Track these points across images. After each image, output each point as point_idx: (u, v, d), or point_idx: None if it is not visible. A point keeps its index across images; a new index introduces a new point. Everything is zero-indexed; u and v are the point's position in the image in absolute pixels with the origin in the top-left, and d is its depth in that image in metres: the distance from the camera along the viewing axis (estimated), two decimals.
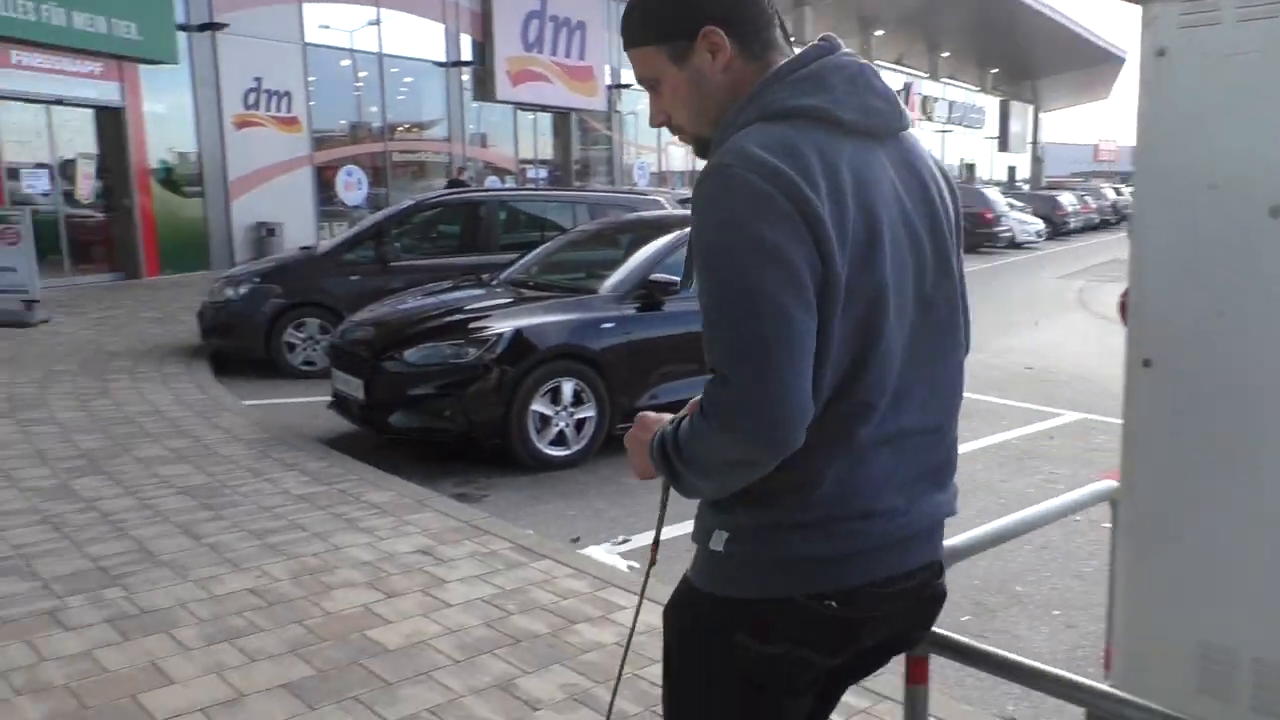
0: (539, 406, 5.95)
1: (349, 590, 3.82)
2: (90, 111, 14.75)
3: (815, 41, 1.48)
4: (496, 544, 4.38)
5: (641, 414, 1.59)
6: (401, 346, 6.01)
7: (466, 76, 20.94)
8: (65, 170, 14.44)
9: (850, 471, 1.41)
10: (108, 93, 14.65)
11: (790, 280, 1.30)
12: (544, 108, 23.06)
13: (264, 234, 16.72)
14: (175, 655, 3.23)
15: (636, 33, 1.50)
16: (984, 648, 1.82)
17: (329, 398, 6.52)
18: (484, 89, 21.28)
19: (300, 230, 17.08)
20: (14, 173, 13.70)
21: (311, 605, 3.66)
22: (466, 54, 20.73)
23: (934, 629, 1.72)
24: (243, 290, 8.79)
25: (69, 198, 14.45)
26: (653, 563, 1.69)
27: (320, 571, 3.98)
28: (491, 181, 21.46)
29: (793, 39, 1.52)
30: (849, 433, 1.40)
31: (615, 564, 4.42)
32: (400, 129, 20.26)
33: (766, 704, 1.48)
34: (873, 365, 1.39)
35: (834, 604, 1.42)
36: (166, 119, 15.55)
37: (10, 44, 13.13)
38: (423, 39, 19.91)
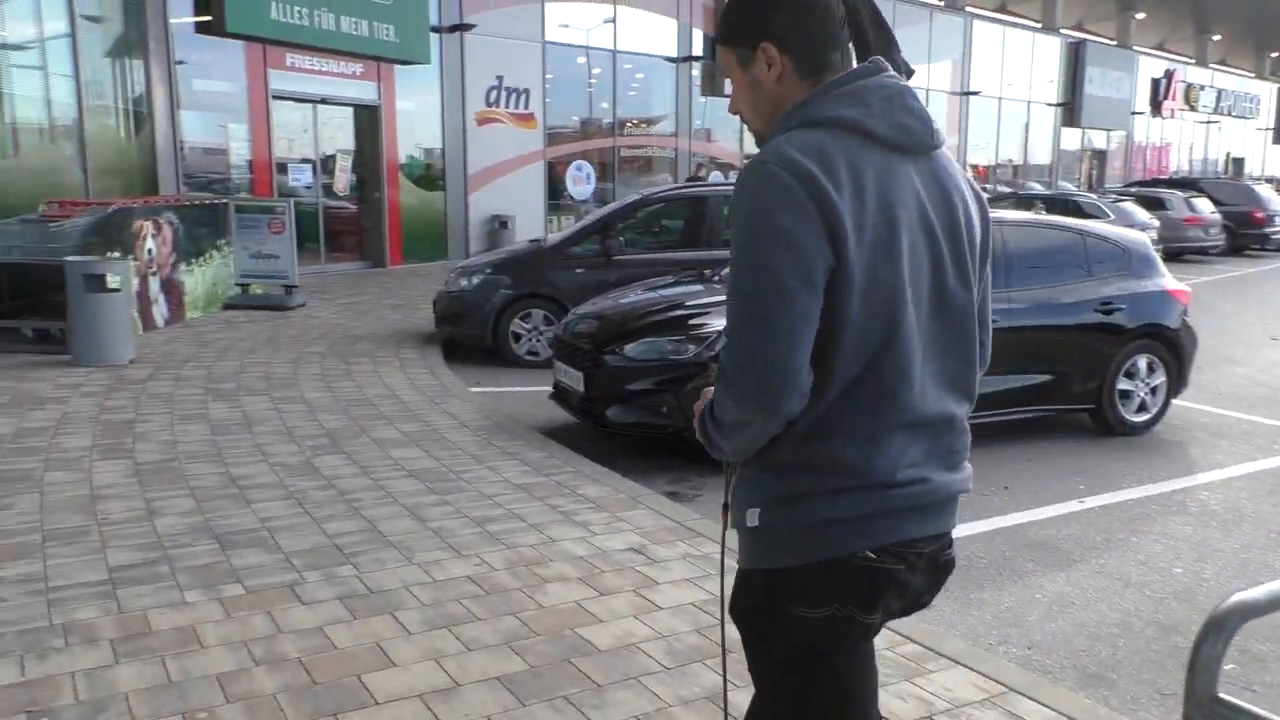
0: None
1: (562, 585, 3.83)
2: (350, 110, 15.88)
3: (865, 63, 1.64)
4: (709, 547, 4.29)
5: (706, 388, 1.70)
6: (622, 341, 6.04)
7: (696, 71, 21.03)
8: (326, 165, 15.62)
9: (870, 449, 1.56)
10: (366, 92, 15.72)
11: (798, 265, 1.47)
12: None
13: (497, 226, 17.46)
14: (398, 638, 3.33)
15: (720, 32, 1.71)
16: None
17: (550, 388, 6.65)
18: (712, 83, 21.28)
19: (531, 223, 17.72)
20: (282, 167, 14.94)
21: (526, 598, 3.70)
22: (698, 49, 20.81)
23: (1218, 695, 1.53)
24: (474, 280, 9.15)
25: (327, 190, 15.62)
26: (725, 527, 1.76)
27: (535, 564, 4.02)
28: (715, 176, 21.48)
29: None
30: (872, 415, 1.56)
31: None
32: (629, 124, 20.60)
33: (828, 669, 1.65)
34: (895, 352, 1.55)
35: (871, 554, 1.58)
36: (416, 116, 16.51)
37: (286, 48, 14.32)
38: (656, 35, 20.16)
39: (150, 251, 9.39)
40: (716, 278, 7.09)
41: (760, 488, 1.63)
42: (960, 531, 5.08)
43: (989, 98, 29.29)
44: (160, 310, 9.65)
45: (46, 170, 10.76)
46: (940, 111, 27.15)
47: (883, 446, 1.57)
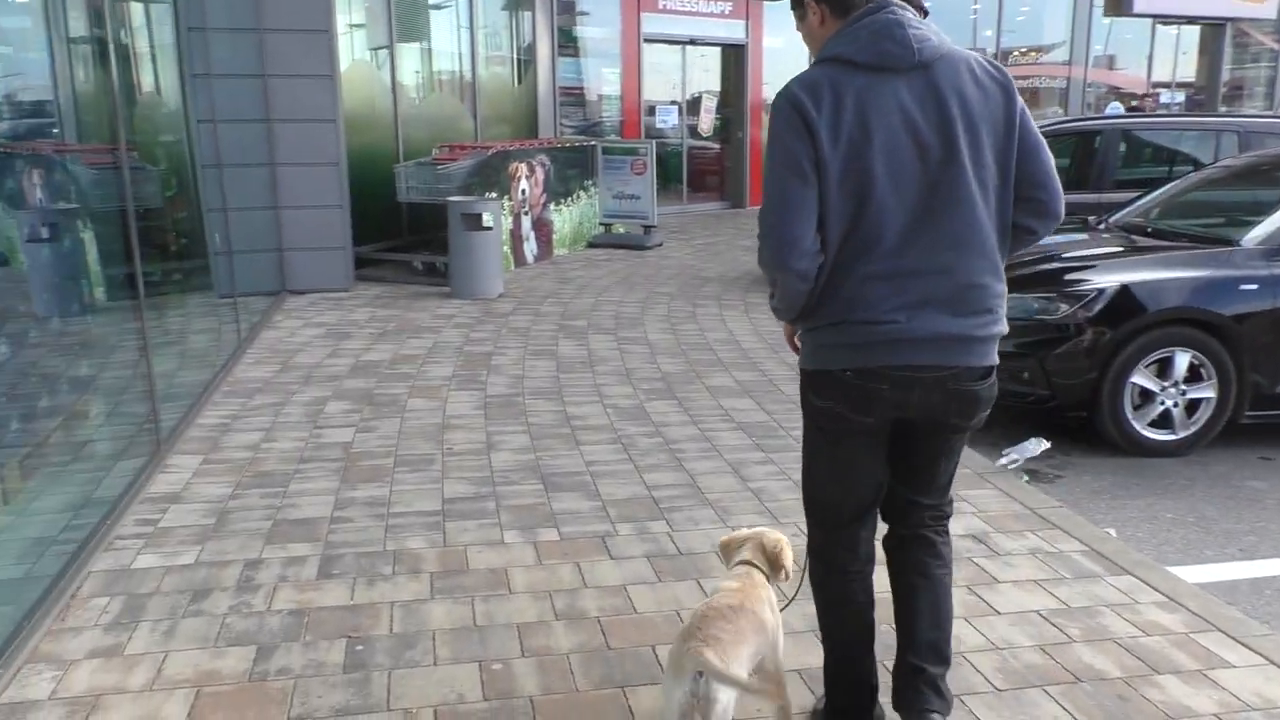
0: (1141, 379, 4.98)
1: (885, 570, 3.44)
2: (717, 50, 15.86)
3: (870, 4, 2.15)
4: (1066, 543, 3.69)
5: None
6: None
7: None
8: (691, 106, 15.77)
9: (855, 293, 2.13)
10: (734, 31, 15.61)
11: (790, 163, 2.10)
12: (1191, 19, 19.80)
13: None
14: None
15: None
16: None
17: None
18: (1117, 3, 18.84)
19: None
20: (651, 109, 15.29)
21: None
22: None
23: None
24: None
25: (692, 131, 15.78)
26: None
27: None
28: (1112, 108, 19.19)
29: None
30: (851, 268, 2.13)
31: (1222, 597, 3.47)
32: (1014, 53, 18.83)
33: (829, 440, 2.31)
34: (865, 221, 2.11)
35: (850, 374, 2.18)
36: (782, 54, 16.14)
37: None
38: None
39: (524, 192, 9.94)
40: (1103, 225, 6.17)
41: (807, 317, 2.24)
42: None
43: None
44: (530, 247, 10.22)
45: (445, 116, 11.73)
46: None
47: (865, 292, 2.12)
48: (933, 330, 2.11)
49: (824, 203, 2.08)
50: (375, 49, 10.57)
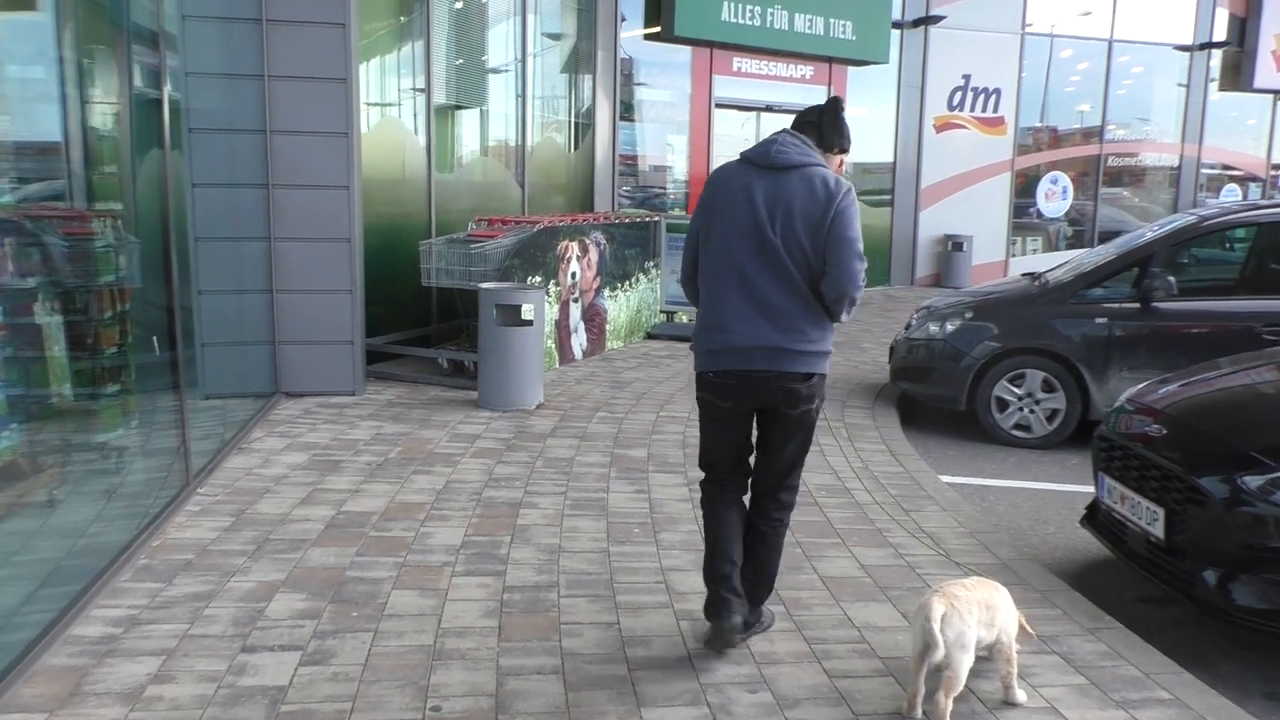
0: None
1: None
2: (791, 118, 14.36)
3: (777, 133, 3.29)
4: None
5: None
6: (1237, 465, 3.59)
7: (1215, 61, 16.99)
8: None
9: (710, 307, 3.23)
10: (814, 97, 13.99)
11: (694, 225, 3.34)
12: None
13: (949, 248, 15.15)
14: None
15: None
16: None
17: (1084, 497, 4.38)
18: (1233, 76, 17.13)
19: (989, 245, 15.27)
20: None
21: None
22: (1220, 33, 16.78)
23: None
24: (949, 327, 7.04)
25: None
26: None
27: None
28: (1228, 191, 17.47)
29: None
30: (707, 290, 3.27)
31: None
32: (1117, 127, 17.11)
33: (707, 419, 3.37)
34: (718, 259, 3.21)
35: (711, 375, 3.25)
36: (866, 123, 14.61)
37: (734, 51, 13.12)
38: (1166, 20, 16.49)
39: (574, 275, 8.38)
40: None
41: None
42: None
43: None
44: (579, 341, 8.62)
45: (488, 185, 10.34)
46: None
47: (716, 306, 3.20)
48: (756, 338, 3.13)
49: (699, 249, 3.32)
50: (409, 105, 9.19)
